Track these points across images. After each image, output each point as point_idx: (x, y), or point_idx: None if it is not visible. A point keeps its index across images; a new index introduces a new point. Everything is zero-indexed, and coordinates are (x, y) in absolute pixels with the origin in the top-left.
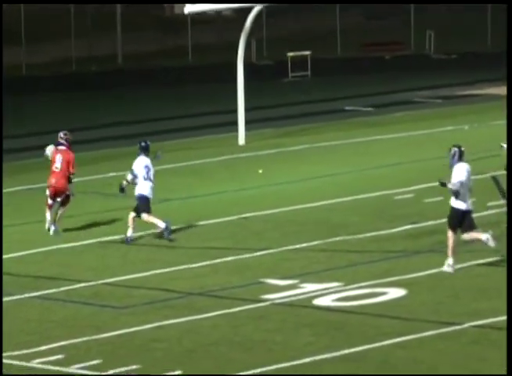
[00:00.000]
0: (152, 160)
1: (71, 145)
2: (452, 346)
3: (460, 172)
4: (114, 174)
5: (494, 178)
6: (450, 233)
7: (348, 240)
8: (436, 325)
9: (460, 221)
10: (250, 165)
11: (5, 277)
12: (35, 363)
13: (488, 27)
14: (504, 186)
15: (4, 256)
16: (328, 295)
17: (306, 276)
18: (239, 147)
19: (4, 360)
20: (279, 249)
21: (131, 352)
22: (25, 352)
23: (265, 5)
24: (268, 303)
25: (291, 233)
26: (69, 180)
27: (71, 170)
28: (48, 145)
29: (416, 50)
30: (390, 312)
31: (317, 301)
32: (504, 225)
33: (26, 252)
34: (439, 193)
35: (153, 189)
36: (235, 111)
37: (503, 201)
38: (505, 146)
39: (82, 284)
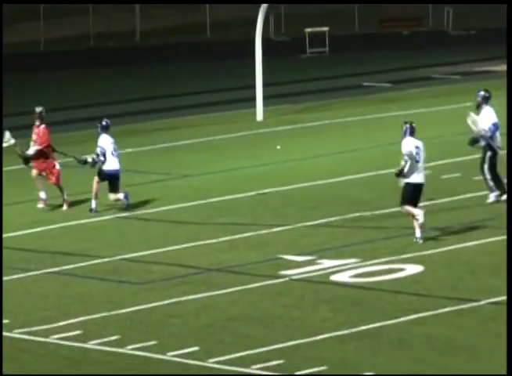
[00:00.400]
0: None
1: (43, 120)
2: (468, 323)
3: (406, 146)
4: (132, 150)
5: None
6: (406, 207)
7: (366, 216)
8: (453, 302)
9: (413, 194)
10: (268, 141)
11: (23, 253)
12: (53, 339)
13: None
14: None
15: (23, 232)
16: (346, 271)
17: (324, 252)
18: (257, 123)
19: (22, 336)
20: (297, 225)
21: (149, 327)
22: (43, 327)
23: None
24: (286, 279)
25: (309, 209)
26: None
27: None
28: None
29: (434, 26)
30: (407, 289)
31: (335, 277)
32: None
33: (45, 228)
34: (457, 170)
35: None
36: (253, 87)
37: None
38: None
39: (101, 260)
